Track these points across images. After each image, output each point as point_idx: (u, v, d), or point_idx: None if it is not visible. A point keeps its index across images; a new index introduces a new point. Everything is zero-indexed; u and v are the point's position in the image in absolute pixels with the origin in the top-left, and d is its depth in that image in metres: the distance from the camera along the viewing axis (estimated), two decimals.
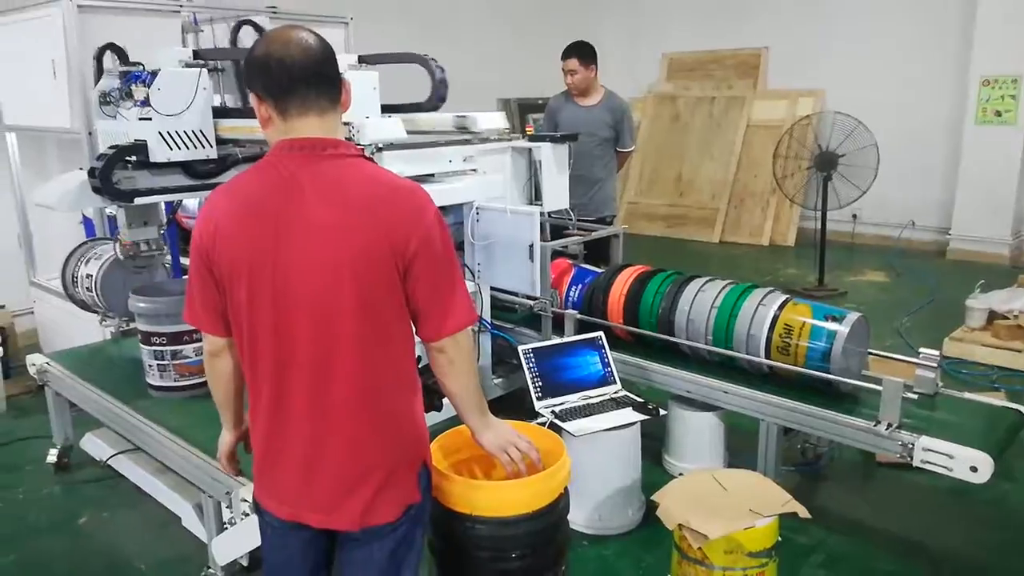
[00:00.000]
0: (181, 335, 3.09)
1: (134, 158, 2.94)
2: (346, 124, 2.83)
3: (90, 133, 3.87)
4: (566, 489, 1.98)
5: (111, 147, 2.96)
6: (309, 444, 1.61)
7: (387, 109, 3.40)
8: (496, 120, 3.71)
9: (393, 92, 3.53)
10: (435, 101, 3.72)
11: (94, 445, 3.54)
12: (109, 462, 3.41)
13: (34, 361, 3.55)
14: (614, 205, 4.90)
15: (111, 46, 3.43)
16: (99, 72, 3.41)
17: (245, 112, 3.23)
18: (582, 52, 4.60)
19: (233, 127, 3.21)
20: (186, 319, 1.71)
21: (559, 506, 1.95)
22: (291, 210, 1.54)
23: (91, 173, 2.92)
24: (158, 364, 3.13)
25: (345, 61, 3.50)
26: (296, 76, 1.53)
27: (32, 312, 4.96)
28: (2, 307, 4.82)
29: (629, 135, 4.78)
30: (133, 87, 3.01)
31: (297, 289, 1.54)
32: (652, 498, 2.37)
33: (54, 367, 3.49)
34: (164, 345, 3.10)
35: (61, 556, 2.98)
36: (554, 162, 3.68)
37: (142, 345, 3.17)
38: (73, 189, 3.07)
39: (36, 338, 4.92)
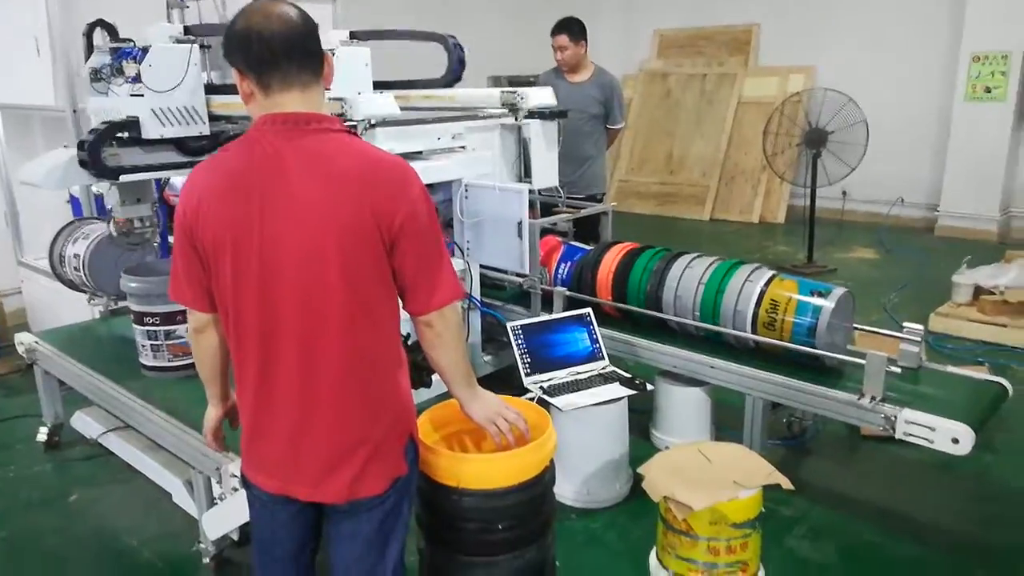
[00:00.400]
0: (174, 315, 3.07)
1: (126, 134, 2.92)
2: (338, 100, 2.81)
3: (75, 111, 3.84)
4: (552, 461, 2.00)
5: (103, 123, 2.94)
6: (296, 418, 1.62)
7: (401, 85, 3.37)
8: (545, 96, 3.70)
9: (392, 68, 3.53)
10: (451, 78, 3.72)
11: (84, 423, 3.55)
12: (99, 440, 3.42)
13: (22, 340, 3.54)
14: (604, 183, 4.90)
15: (101, 22, 3.38)
16: (89, 49, 3.37)
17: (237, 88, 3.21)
18: (572, 28, 4.58)
19: (225, 103, 3.18)
20: (171, 296, 1.71)
21: (545, 478, 1.97)
22: (275, 185, 1.53)
23: (80, 146, 2.89)
24: (151, 344, 3.13)
25: (337, 37, 3.48)
26: (277, 50, 1.52)
27: (20, 292, 4.94)
28: None
29: (619, 112, 4.77)
30: (124, 63, 2.99)
31: (282, 264, 1.54)
32: (638, 471, 2.40)
33: (43, 346, 3.49)
34: (157, 325, 3.09)
35: (52, 533, 3.00)
36: (543, 139, 3.68)
37: (135, 325, 3.16)
38: (59, 167, 3.03)
39: (24, 318, 4.90)
